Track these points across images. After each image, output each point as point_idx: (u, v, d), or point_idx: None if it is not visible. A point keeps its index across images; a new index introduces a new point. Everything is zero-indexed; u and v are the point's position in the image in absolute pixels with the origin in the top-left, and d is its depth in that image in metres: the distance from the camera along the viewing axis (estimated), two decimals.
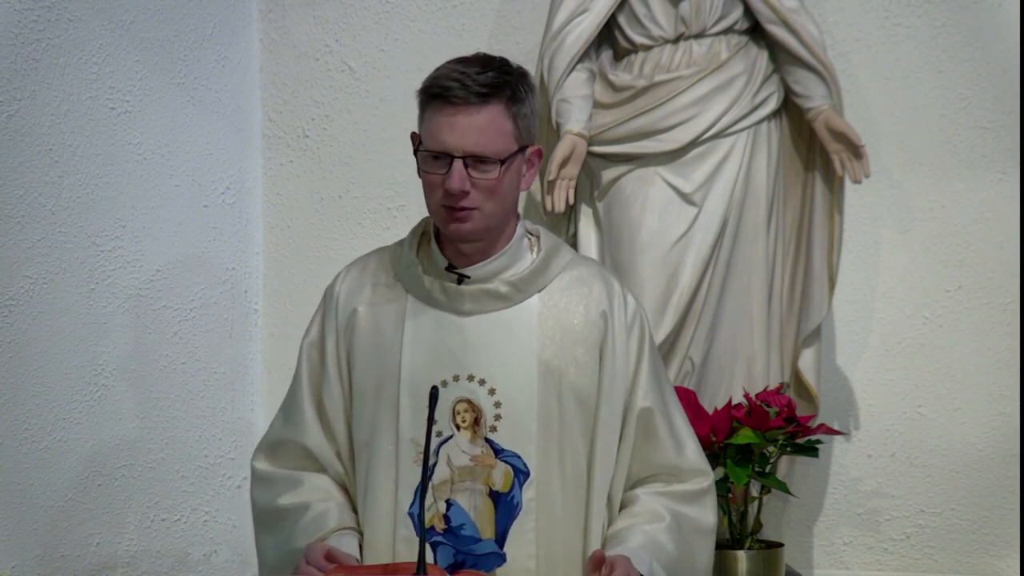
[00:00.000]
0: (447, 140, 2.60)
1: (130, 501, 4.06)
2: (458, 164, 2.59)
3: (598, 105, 4.01)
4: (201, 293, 4.36)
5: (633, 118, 3.95)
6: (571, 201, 3.97)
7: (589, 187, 4.07)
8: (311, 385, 2.79)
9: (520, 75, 2.67)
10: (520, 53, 4.49)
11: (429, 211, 2.70)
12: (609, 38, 4.07)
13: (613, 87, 4.01)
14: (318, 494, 2.74)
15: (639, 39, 4.00)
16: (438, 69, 2.66)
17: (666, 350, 3.91)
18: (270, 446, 2.84)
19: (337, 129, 4.59)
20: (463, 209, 2.62)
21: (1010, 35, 4.27)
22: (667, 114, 3.94)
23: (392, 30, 4.56)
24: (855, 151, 3.96)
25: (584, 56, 3.98)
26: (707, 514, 2.76)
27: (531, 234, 2.78)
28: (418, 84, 4.66)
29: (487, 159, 2.61)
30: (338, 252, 4.57)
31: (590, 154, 3.98)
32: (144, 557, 4.10)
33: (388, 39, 4.56)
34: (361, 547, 2.69)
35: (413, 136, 2.70)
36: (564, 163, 3.93)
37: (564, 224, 4.09)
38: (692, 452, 2.77)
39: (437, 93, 2.61)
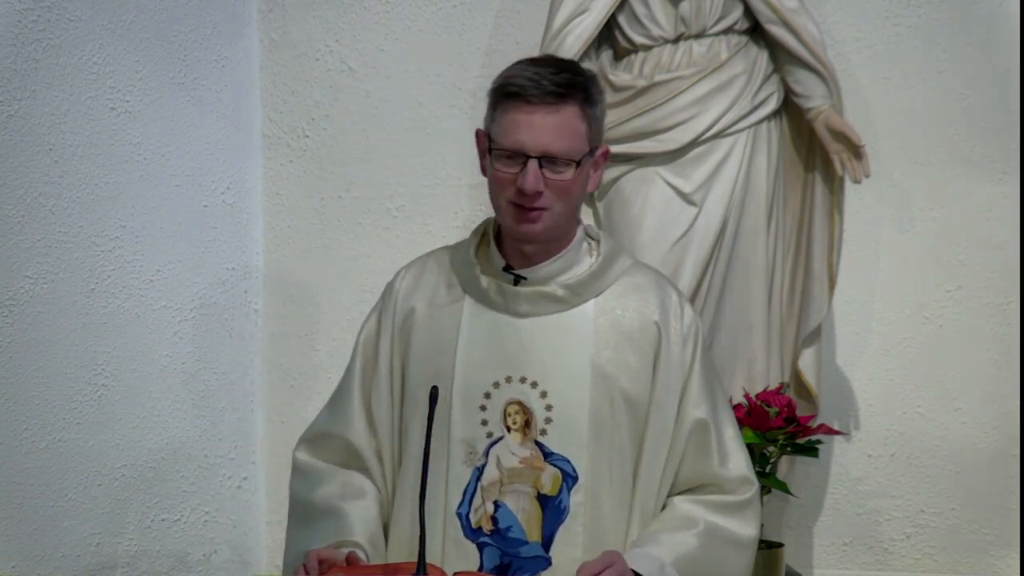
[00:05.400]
0: (523, 139, 2.57)
1: (130, 501, 4.06)
2: (533, 164, 2.56)
3: None
4: (201, 293, 4.35)
5: (633, 118, 3.95)
6: None
7: None
8: (363, 380, 2.77)
9: (591, 77, 2.66)
10: (520, 53, 4.45)
11: (496, 209, 2.66)
12: (609, 38, 4.06)
13: (613, 87, 4.01)
14: (350, 490, 2.71)
15: (639, 39, 4.00)
16: (510, 69, 2.63)
17: None
18: (313, 438, 2.82)
19: (337, 129, 4.59)
20: (535, 209, 2.60)
21: (1010, 35, 4.27)
22: (667, 114, 3.93)
23: (392, 30, 4.56)
24: (855, 151, 3.96)
25: (584, 56, 3.97)
26: (745, 527, 2.71)
27: (591, 238, 2.75)
28: (418, 84, 4.66)
29: (562, 159, 2.58)
30: (338, 252, 4.57)
31: None
32: (144, 557, 4.10)
33: (388, 39, 4.55)
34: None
35: (479, 134, 2.67)
36: None
37: None
38: (737, 463, 2.73)
39: (513, 92, 2.58)
